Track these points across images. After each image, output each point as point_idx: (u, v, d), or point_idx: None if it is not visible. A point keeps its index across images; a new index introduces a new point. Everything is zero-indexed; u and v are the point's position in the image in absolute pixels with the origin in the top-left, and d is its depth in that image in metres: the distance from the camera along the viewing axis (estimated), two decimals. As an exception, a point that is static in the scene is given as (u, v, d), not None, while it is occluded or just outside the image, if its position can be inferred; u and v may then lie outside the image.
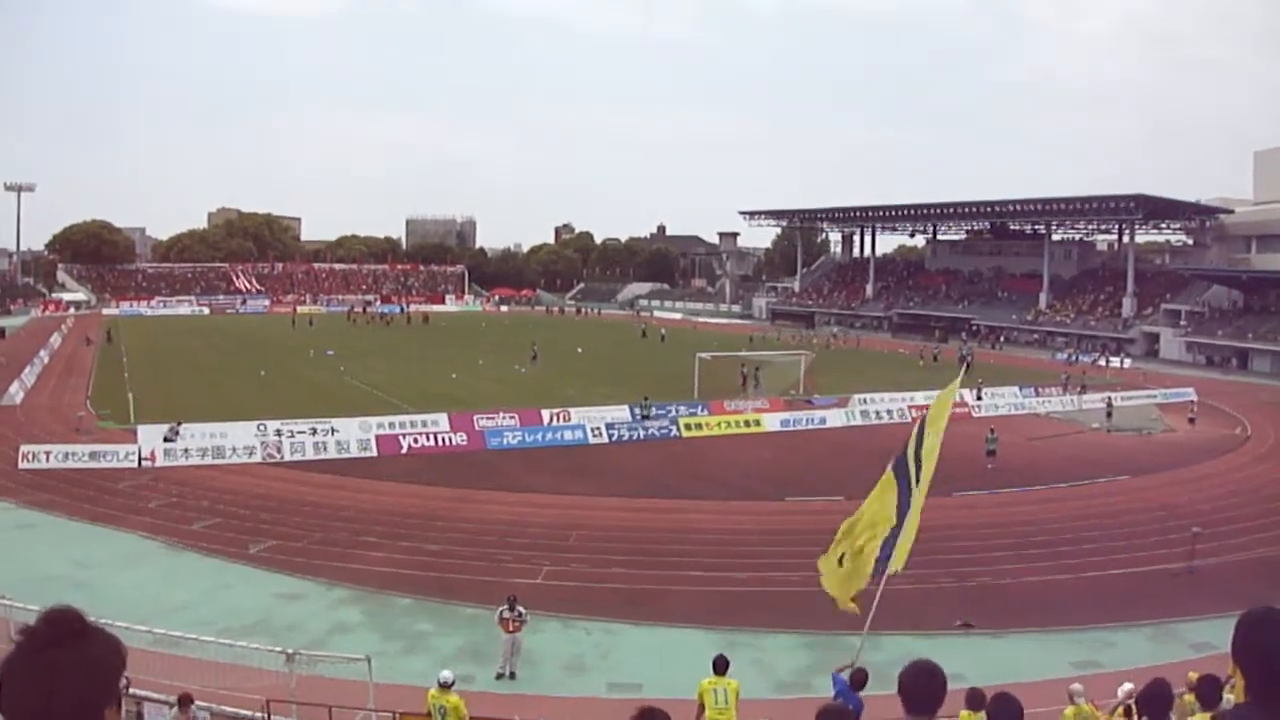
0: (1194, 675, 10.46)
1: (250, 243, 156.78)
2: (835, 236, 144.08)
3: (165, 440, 37.06)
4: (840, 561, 12.95)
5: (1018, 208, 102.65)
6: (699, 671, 14.26)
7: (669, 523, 30.17)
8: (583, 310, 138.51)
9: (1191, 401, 55.33)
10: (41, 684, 2.06)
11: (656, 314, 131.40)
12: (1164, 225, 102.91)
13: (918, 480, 12.10)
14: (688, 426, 45.40)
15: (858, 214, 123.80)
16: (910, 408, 50.98)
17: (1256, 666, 2.78)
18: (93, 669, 2.13)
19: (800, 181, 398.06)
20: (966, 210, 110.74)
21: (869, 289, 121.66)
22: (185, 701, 13.89)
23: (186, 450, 36.85)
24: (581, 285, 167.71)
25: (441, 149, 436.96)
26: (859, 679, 12.41)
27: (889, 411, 50.41)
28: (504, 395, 51.48)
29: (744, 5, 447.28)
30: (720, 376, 55.97)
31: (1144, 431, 48.49)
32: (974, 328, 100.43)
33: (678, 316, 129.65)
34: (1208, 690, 8.75)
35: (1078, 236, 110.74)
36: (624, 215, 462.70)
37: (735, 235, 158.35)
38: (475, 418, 43.13)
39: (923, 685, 4.30)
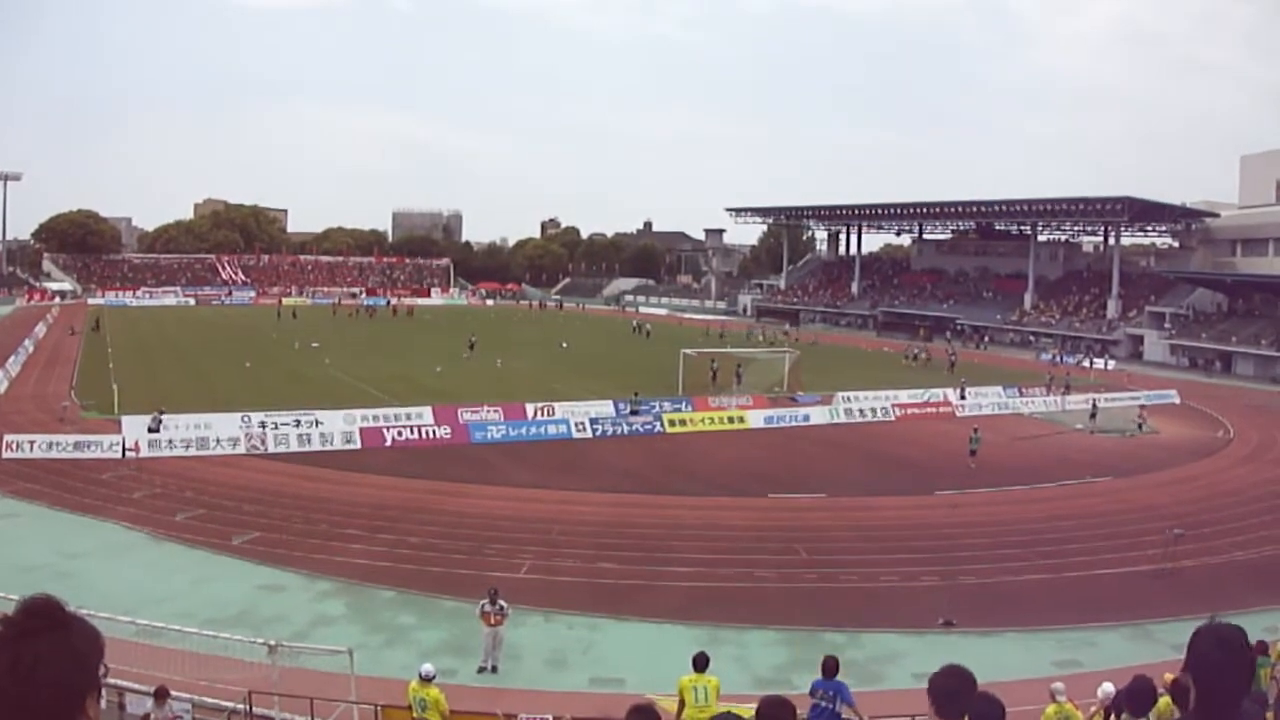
0: (1169, 676, 10.54)
1: (236, 234, 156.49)
2: (821, 234, 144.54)
3: (150, 430, 36.93)
4: None
5: (1004, 208, 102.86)
6: (680, 666, 14.29)
7: (652, 518, 30.21)
8: (563, 305, 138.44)
9: (1141, 407, 54.96)
10: (22, 674, 2.04)
11: (642, 309, 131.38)
12: (1150, 227, 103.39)
13: None
14: (672, 422, 45.43)
15: (844, 212, 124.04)
16: (894, 406, 51.13)
17: (1207, 680, 2.87)
18: (73, 658, 2.12)
19: (787, 179, 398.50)
20: (953, 210, 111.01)
21: (854, 287, 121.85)
22: (161, 695, 13.86)
23: (170, 441, 36.73)
24: (567, 280, 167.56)
25: (429, 142, 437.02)
26: (830, 666, 12.55)
27: (873, 409, 50.48)
28: (489, 389, 51.41)
29: (736, 4, 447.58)
30: (705, 373, 56.13)
31: (1127, 433, 48.66)
32: (959, 327, 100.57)
33: (663, 312, 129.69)
34: (1183, 692, 8.81)
35: (1063, 237, 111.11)
36: (610, 211, 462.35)
37: (721, 232, 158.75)
38: (459, 411, 43.07)
39: (954, 689, 4.15)
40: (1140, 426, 49.50)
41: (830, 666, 12.58)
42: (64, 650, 2.11)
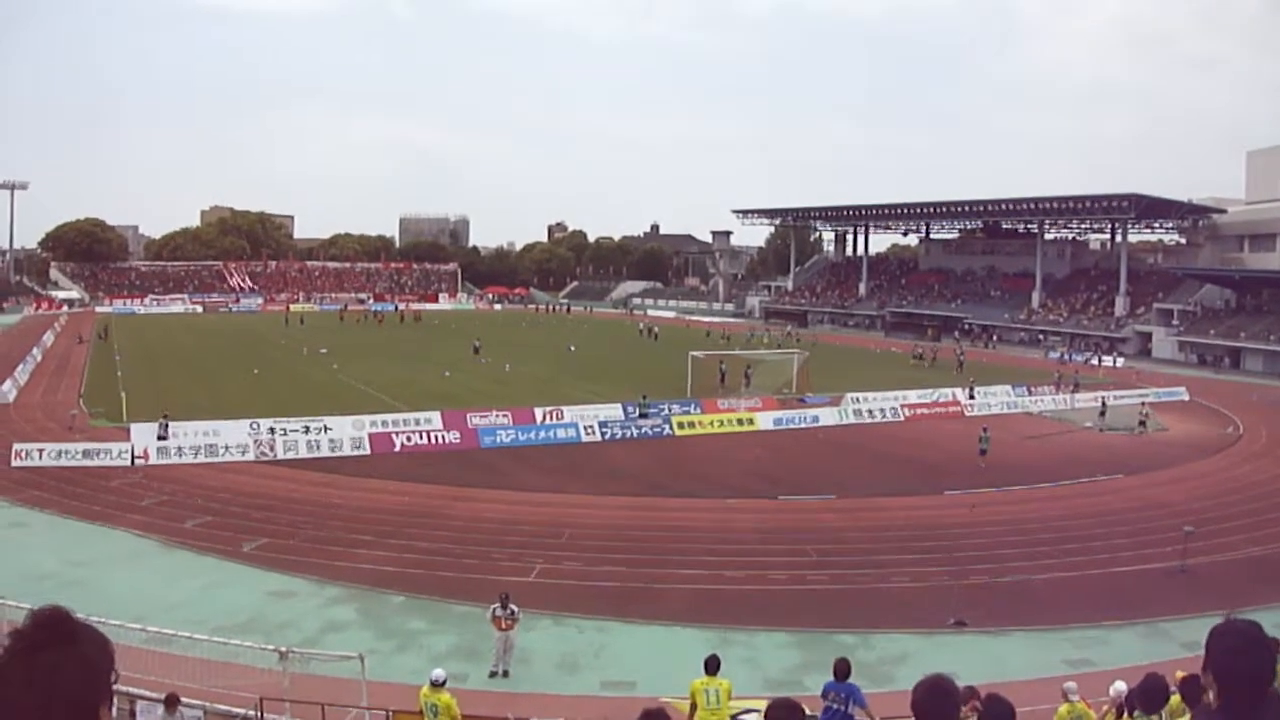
0: (1180, 674, 10.50)
1: (243, 241, 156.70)
2: (828, 235, 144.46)
3: (159, 438, 37.00)
4: None
5: (1011, 207, 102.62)
6: (691, 669, 14.25)
7: (662, 520, 30.19)
8: (570, 308, 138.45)
9: (1143, 403, 54.45)
10: (37, 688, 2.04)
11: (650, 313, 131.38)
12: (1157, 224, 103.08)
13: None
14: (681, 425, 45.36)
15: (851, 213, 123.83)
16: (903, 406, 51.03)
17: (1227, 679, 2.86)
18: (86, 669, 2.12)
19: (794, 180, 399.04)
20: (959, 209, 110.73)
21: (862, 288, 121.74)
22: (172, 702, 13.86)
23: (180, 449, 36.79)
24: (574, 284, 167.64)
25: (435, 147, 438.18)
26: (841, 669, 12.50)
27: (882, 410, 50.38)
28: (497, 393, 51.46)
29: (738, 6, 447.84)
30: (713, 375, 56.10)
31: (1135, 430, 48.49)
32: (967, 326, 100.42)
33: (671, 315, 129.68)
34: (1193, 690, 8.79)
35: (1071, 235, 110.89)
36: (617, 214, 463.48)
37: (728, 234, 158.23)
38: (468, 416, 43.07)
39: (935, 706, 4.12)
40: (1143, 424, 49.27)
41: (842, 669, 12.53)
42: (76, 662, 2.11)
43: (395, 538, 27.31)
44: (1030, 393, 57.00)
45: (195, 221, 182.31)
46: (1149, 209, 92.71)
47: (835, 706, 12.30)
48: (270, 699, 15.27)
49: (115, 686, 2.24)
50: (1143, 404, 53.60)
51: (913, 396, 52.82)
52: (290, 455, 37.74)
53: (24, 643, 2.10)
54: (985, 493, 34.63)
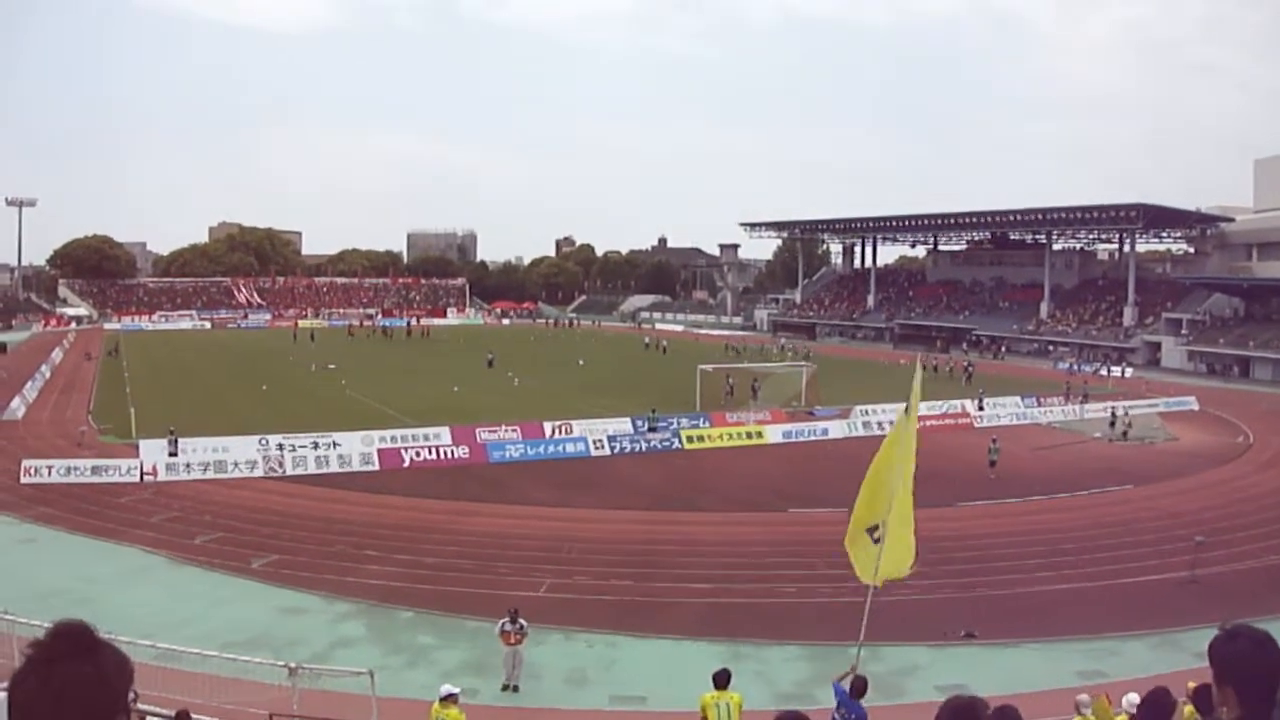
0: (1192, 684, 10.45)
1: (251, 257, 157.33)
2: (836, 248, 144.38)
3: (170, 455, 37.07)
4: (874, 538, 12.53)
5: (1018, 218, 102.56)
6: (701, 683, 14.23)
7: (671, 535, 30.14)
8: (576, 323, 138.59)
9: (1126, 412, 53.96)
10: (54, 698, 2.05)
11: (658, 326, 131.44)
12: (1165, 234, 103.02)
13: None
14: (690, 438, 45.35)
15: (858, 225, 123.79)
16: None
17: (1241, 682, 2.85)
18: (103, 682, 2.12)
19: (801, 193, 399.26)
20: (967, 221, 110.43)
21: (870, 300, 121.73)
22: (182, 718, 13.86)
23: (188, 465, 36.85)
24: (583, 298, 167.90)
25: (442, 162, 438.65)
26: (859, 687, 12.43)
27: (891, 422, 49.94)
28: (506, 408, 51.47)
29: (744, 18, 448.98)
30: (722, 388, 56.02)
31: (1146, 441, 48.38)
32: (975, 338, 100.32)
33: (679, 328, 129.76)
34: (1206, 699, 8.74)
35: (1079, 246, 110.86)
36: (625, 228, 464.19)
37: (736, 247, 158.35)
38: (477, 430, 43.07)
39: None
40: (1124, 435, 49.04)
41: (860, 687, 12.44)
42: (92, 675, 2.11)
43: (404, 553, 27.30)
44: (1039, 404, 56.86)
45: (203, 238, 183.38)
46: (1157, 218, 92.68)
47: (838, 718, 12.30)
48: (280, 715, 15.26)
49: (135, 704, 2.24)
50: (1126, 413, 53.10)
51: (922, 408, 52.48)
52: (299, 471, 37.77)
53: (42, 654, 2.11)
54: (996, 504, 34.58)
